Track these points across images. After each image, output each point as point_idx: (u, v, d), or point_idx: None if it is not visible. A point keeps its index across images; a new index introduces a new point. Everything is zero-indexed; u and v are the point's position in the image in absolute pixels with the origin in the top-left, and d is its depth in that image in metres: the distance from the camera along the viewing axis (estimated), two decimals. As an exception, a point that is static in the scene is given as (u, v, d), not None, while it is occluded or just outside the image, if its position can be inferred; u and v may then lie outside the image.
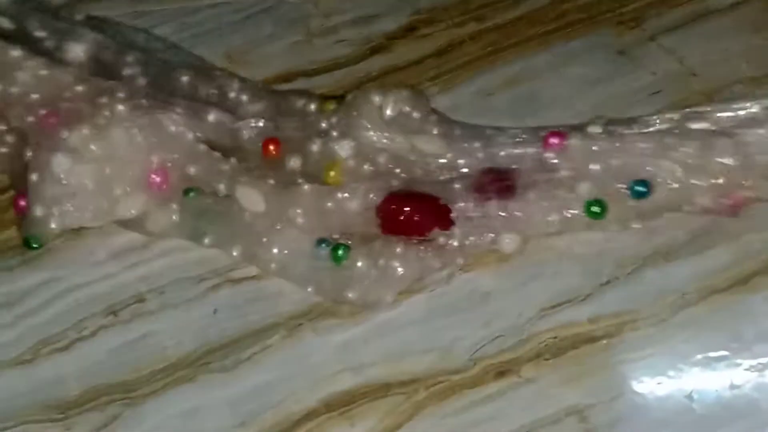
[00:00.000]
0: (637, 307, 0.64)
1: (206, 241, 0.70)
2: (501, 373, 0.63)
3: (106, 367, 0.65)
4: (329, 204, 0.68)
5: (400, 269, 0.66)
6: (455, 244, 0.67)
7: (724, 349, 0.62)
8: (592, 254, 0.67)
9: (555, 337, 0.64)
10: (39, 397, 0.64)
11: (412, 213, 0.66)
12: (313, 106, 0.75)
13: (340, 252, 0.66)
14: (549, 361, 0.63)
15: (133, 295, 0.69)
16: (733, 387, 0.61)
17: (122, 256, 0.71)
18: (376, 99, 0.72)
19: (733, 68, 0.76)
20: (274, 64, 0.81)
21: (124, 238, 0.72)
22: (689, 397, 0.60)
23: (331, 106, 0.74)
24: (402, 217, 0.66)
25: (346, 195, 0.68)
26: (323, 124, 0.73)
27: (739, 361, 0.62)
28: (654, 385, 0.61)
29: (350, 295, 0.66)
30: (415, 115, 0.72)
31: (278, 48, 0.81)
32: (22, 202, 0.71)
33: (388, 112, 0.71)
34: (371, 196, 0.67)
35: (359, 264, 0.66)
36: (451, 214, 0.66)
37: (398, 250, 0.66)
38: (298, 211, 0.68)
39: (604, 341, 0.63)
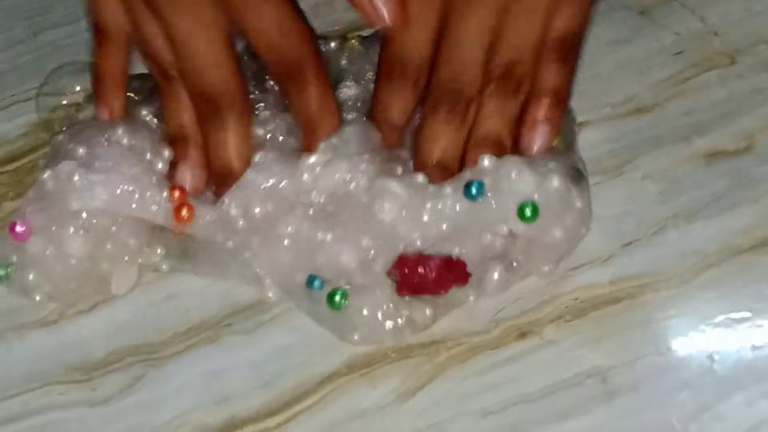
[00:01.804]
0: (658, 269, 0.64)
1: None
2: (522, 334, 0.63)
3: (129, 328, 0.66)
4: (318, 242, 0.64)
5: (418, 319, 0.63)
6: (471, 299, 0.65)
7: (747, 310, 0.62)
8: (613, 216, 0.67)
9: (576, 299, 0.64)
10: (63, 358, 0.65)
11: (428, 273, 0.63)
12: (333, 44, 0.74)
13: (337, 298, 0.63)
14: (570, 322, 0.63)
15: (155, 257, 0.69)
16: (754, 348, 0.61)
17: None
18: None
19: (756, 28, 0.75)
20: (294, 26, 0.80)
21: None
22: (710, 358, 0.60)
23: (355, 42, 0.74)
24: (417, 279, 0.63)
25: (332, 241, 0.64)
26: (343, 62, 0.73)
27: (760, 322, 0.61)
28: (675, 346, 0.61)
29: (356, 337, 0.63)
30: None
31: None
32: (21, 228, 0.64)
33: None
34: (370, 254, 0.63)
35: (365, 312, 0.63)
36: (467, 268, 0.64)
37: (424, 311, 0.63)
38: (289, 229, 0.64)
39: (626, 303, 0.63)
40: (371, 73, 0.71)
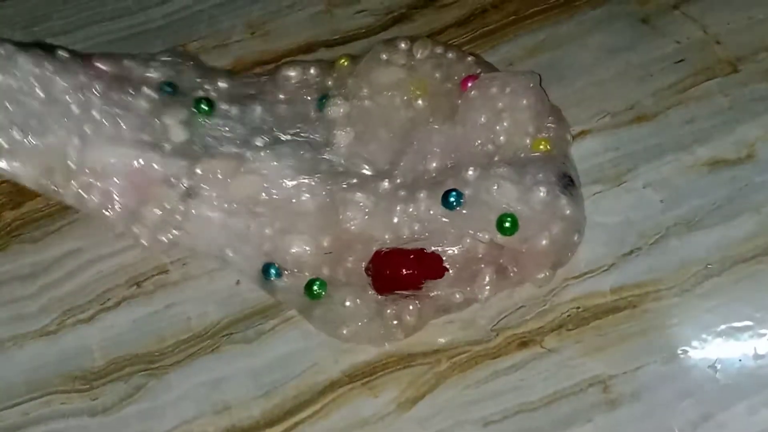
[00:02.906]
0: (660, 277, 0.64)
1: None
2: (523, 343, 0.63)
3: (130, 337, 0.66)
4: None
5: (409, 318, 0.63)
6: (457, 296, 0.64)
7: (748, 319, 0.62)
8: (615, 224, 0.67)
9: (578, 308, 0.64)
10: (64, 367, 0.65)
11: (400, 266, 0.63)
12: (312, 71, 0.75)
13: (316, 288, 0.64)
14: (572, 331, 0.63)
15: (156, 266, 0.69)
16: (757, 357, 0.61)
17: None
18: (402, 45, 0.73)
19: (757, 36, 0.75)
20: (295, 35, 0.81)
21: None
22: (713, 367, 0.60)
23: (344, 62, 0.74)
24: (389, 272, 0.63)
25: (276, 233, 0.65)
26: (330, 82, 0.73)
27: (762, 331, 0.61)
28: (677, 355, 0.61)
29: (345, 332, 0.63)
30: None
31: (299, 18, 0.81)
32: None
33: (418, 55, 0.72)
34: (325, 243, 0.65)
35: (348, 303, 0.63)
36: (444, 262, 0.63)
37: (407, 306, 0.63)
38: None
39: (627, 311, 0.63)
40: (366, 90, 0.71)
